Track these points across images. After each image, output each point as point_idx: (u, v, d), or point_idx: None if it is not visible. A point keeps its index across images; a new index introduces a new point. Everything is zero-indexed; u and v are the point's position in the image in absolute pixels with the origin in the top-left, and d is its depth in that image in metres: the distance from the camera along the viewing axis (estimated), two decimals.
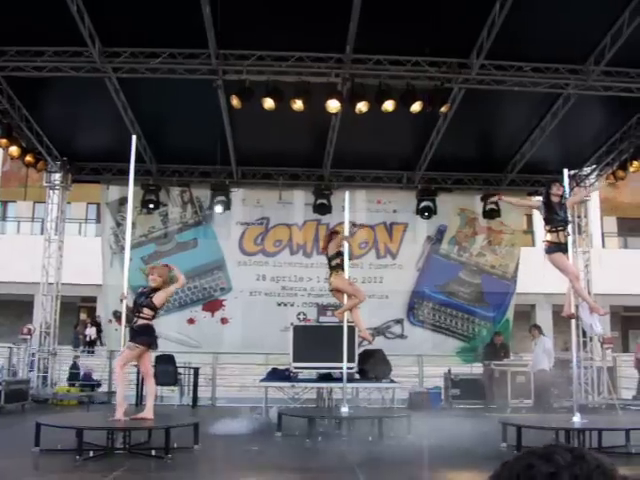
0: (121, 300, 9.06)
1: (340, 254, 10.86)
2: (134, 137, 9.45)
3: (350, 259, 10.87)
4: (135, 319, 8.60)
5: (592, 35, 10.46)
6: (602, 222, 28.97)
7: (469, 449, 8.58)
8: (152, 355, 9.30)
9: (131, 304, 8.91)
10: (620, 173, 14.79)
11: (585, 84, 11.36)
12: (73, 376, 15.76)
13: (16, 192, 28.47)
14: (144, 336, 8.55)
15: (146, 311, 8.60)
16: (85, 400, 14.15)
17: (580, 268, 14.24)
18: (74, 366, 16.34)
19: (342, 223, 11.28)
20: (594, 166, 15.67)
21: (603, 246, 28.51)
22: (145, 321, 8.56)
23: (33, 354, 15.26)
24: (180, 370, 14.54)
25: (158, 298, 8.61)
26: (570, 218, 9.60)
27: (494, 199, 9.76)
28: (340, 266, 10.69)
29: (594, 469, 1.15)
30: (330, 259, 10.86)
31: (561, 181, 9.46)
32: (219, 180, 15.77)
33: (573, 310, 9.44)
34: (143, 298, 8.67)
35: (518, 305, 17.62)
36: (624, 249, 29.60)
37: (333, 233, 11.52)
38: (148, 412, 8.57)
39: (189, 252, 16.07)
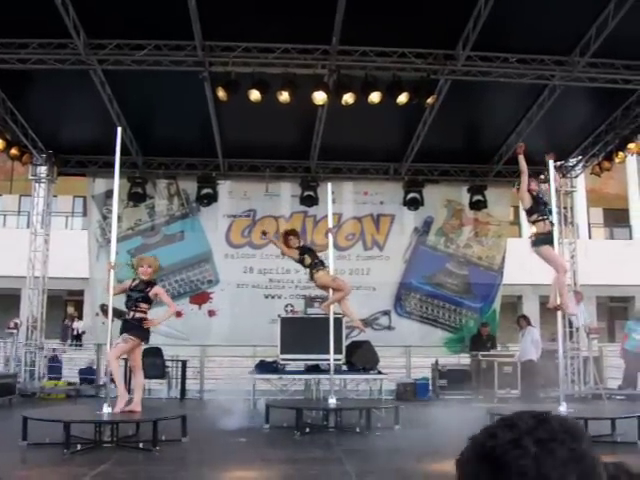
0: (109, 270, 8.93)
1: (305, 251, 10.73)
2: (119, 129, 9.39)
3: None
4: (131, 313, 8.59)
5: (578, 26, 10.48)
6: (588, 213, 29.13)
7: (456, 439, 8.61)
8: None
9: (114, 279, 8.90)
10: (606, 164, 14.87)
11: (571, 75, 11.39)
12: (54, 370, 15.74)
13: (2, 185, 28.35)
14: (140, 330, 8.57)
15: (143, 305, 8.62)
16: (72, 394, 14.13)
17: (566, 259, 14.31)
18: (54, 359, 16.33)
19: (327, 216, 11.21)
20: (580, 157, 15.74)
21: (589, 237, 28.67)
22: (142, 314, 8.59)
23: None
24: (168, 363, 14.53)
25: (160, 295, 8.86)
26: (556, 209, 9.68)
27: (518, 149, 9.74)
28: (318, 264, 10.56)
29: (558, 430, 1.15)
30: (300, 262, 10.74)
31: (543, 173, 9.57)
32: (206, 172, 15.73)
33: (559, 301, 9.48)
34: (137, 292, 8.67)
35: (505, 296, 17.70)
36: (610, 240, 29.78)
37: (287, 235, 10.97)
38: (136, 405, 8.58)
39: (176, 245, 16.04)
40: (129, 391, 9.13)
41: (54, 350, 17.25)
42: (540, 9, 9.75)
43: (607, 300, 28.64)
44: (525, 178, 9.41)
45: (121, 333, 8.72)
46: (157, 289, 8.87)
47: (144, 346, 9.23)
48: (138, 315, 8.56)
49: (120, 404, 8.44)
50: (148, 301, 8.70)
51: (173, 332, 15.53)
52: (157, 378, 14.13)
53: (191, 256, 16.03)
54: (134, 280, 8.89)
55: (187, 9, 9.34)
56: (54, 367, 15.98)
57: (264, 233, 11.79)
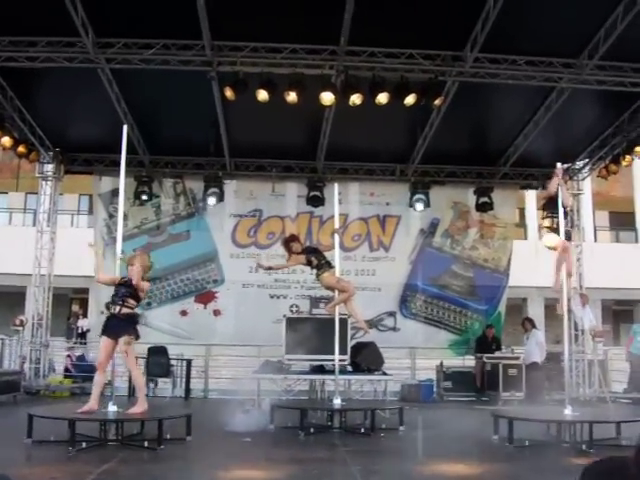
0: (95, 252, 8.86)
1: (310, 252, 10.62)
2: (125, 127, 9.37)
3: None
4: (117, 307, 8.46)
5: (586, 29, 10.46)
6: (594, 216, 29.07)
7: (461, 441, 8.62)
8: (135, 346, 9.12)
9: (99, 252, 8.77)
10: (612, 167, 14.83)
11: (579, 78, 11.37)
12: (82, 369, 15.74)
13: (8, 183, 28.41)
14: (133, 326, 8.49)
15: (130, 301, 8.52)
16: (77, 391, 14.15)
17: (572, 261, 14.26)
18: (81, 358, 16.33)
19: (333, 217, 11.20)
20: (587, 160, 15.71)
21: (595, 240, 28.61)
22: (129, 310, 8.49)
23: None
24: (172, 362, 14.54)
25: (140, 297, 8.64)
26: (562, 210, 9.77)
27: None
28: (324, 265, 10.49)
29: None
30: (308, 264, 10.66)
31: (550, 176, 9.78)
32: (212, 172, 15.74)
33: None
34: (125, 288, 8.53)
35: (510, 298, 17.67)
36: (616, 243, 29.73)
37: (288, 242, 10.82)
38: (93, 403, 8.39)
39: (182, 244, 16.06)
40: (133, 390, 9.00)
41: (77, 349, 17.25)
42: (548, 11, 9.73)
43: (612, 303, 28.57)
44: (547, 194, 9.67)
45: (106, 328, 8.58)
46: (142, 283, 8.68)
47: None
48: (125, 310, 8.43)
49: (140, 408, 8.39)
50: (136, 298, 8.61)
51: (178, 331, 15.58)
52: (162, 377, 14.14)
53: (197, 255, 16.06)
54: (123, 278, 8.72)
55: (195, 8, 9.35)
56: (82, 366, 15.88)
57: (269, 268, 11.74)
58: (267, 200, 16.19)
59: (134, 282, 8.49)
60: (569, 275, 9.75)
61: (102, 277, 9.05)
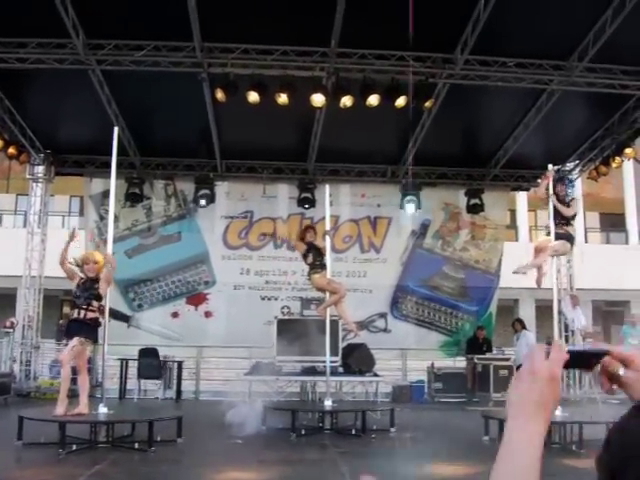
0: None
1: (310, 248, 10.68)
2: (116, 129, 9.36)
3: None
4: (82, 312, 8.34)
5: (576, 31, 10.50)
6: (585, 218, 29.16)
7: (451, 442, 8.65)
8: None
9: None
10: (602, 169, 14.90)
11: (568, 80, 11.41)
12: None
13: None
14: (94, 331, 8.41)
15: (95, 303, 8.40)
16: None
17: (562, 263, 14.34)
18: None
19: (324, 218, 11.22)
20: (577, 162, 15.77)
21: (586, 241, 28.70)
22: (95, 314, 8.38)
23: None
24: (164, 363, 14.50)
25: (102, 288, 8.45)
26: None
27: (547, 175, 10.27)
28: (317, 265, 10.52)
29: None
30: (303, 257, 10.72)
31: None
32: (203, 173, 15.74)
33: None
34: (87, 291, 8.39)
35: (501, 300, 17.71)
36: (606, 244, 29.82)
37: (307, 229, 11.14)
38: (84, 407, 8.36)
39: (173, 245, 16.04)
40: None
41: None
42: (538, 14, 9.78)
43: (603, 304, 28.65)
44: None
45: (68, 333, 8.52)
46: (100, 282, 8.46)
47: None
48: (91, 315, 8.32)
49: (60, 409, 8.17)
50: (98, 297, 8.44)
51: (169, 333, 15.56)
52: (153, 378, 14.11)
53: (188, 257, 16.03)
54: (81, 279, 8.52)
55: (186, 10, 9.34)
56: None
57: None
58: (258, 202, 16.19)
59: (103, 275, 8.41)
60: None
61: (67, 266, 8.58)
